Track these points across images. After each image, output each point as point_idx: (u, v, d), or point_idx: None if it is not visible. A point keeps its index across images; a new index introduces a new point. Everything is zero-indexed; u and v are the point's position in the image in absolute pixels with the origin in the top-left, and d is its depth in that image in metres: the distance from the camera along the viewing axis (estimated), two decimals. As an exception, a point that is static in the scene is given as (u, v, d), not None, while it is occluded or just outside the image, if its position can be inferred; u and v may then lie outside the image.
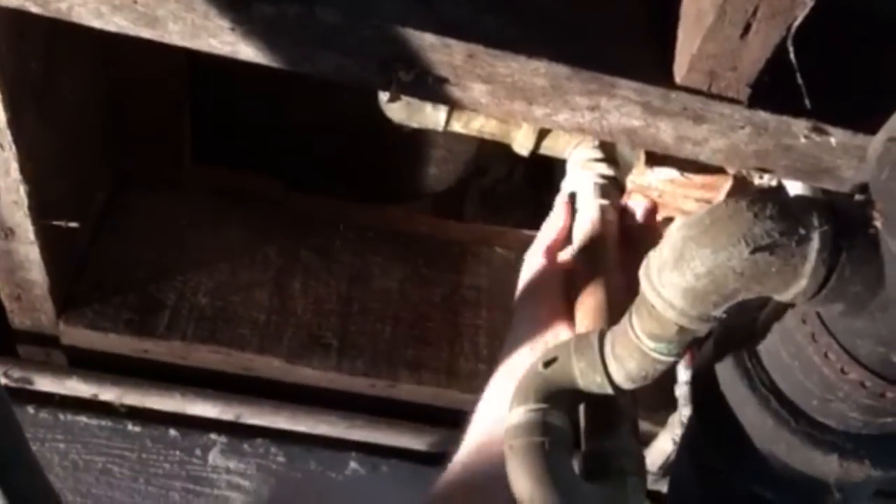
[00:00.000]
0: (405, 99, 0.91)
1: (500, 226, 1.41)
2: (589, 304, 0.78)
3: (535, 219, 0.91)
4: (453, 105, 0.76)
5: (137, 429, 1.15)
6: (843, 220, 0.50)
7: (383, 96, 0.91)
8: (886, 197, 0.49)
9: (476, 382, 1.16)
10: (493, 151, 1.48)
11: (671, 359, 0.59)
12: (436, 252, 1.30)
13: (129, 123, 1.18)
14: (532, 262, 0.83)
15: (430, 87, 0.69)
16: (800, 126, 0.69)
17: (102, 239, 1.18)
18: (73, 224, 1.00)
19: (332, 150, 1.35)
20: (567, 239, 0.86)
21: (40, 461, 0.69)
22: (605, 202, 0.88)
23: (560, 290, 0.79)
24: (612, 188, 0.91)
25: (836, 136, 0.69)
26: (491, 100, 0.70)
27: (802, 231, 0.49)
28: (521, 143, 0.97)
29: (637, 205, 0.87)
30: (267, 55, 0.68)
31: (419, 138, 1.31)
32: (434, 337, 1.22)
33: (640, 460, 0.66)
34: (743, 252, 0.50)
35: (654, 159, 0.97)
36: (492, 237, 1.34)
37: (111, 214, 1.21)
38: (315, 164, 1.37)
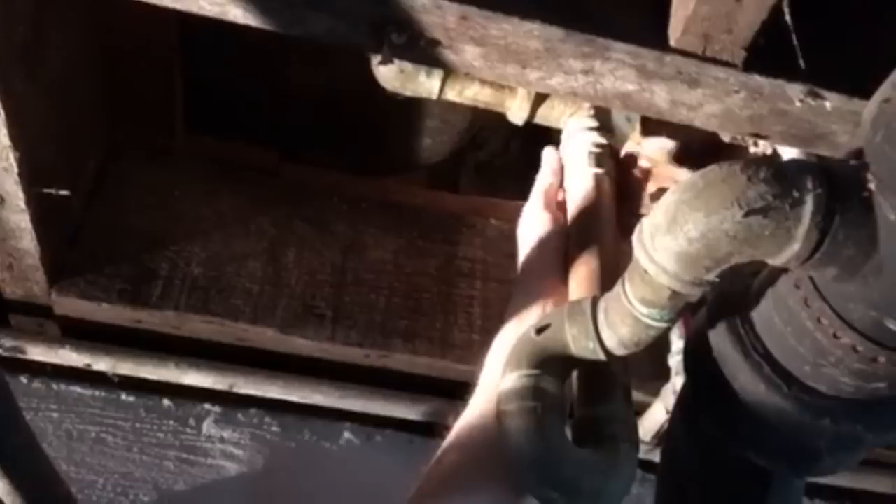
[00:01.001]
0: (399, 66, 0.90)
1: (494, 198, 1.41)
2: (582, 272, 0.78)
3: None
4: (446, 68, 0.76)
5: (131, 399, 1.15)
6: (837, 183, 0.50)
7: (375, 61, 0.90)
8: (881, 159, 0.48)
9: (470, 353, 1.16)
10: (489, 125, 1.47)
11: (663, 325, 0.58)
12: (430, 223, 1.29)
13: (121, 91, 1.17)
14: (532, 215, 0.83)
15: (423, 50, 0.68)
16: (795, 90, 0.68)
17: (95, 208, 1.17)
18: (65, 192, 0.99)
19: (327, 121, 1.34)
20: (560, 182, 0.89)
21: (34, 431, 0.69)
22: (599, 171, 0.88)
23: (564, 252, 0.80)
24: (607, 157, 0.91)
25: (832, 101, 0.68)
26: (484, 63, 0.69)
27: (796, 194, 0.49)
28: (516, 113, 0.96)
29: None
30: (257, 17, 0.67)
31: (413, 108, 1.31)
32: (428, 308, 1.21)
33: (633, 427, 0.66)
34: (736, 215, 0.50)
35: (649, 129, 0.96)
36: (487, 209, 1.34)
37: (104, 183, 1.19)
38: (309, 135, 1.36)
